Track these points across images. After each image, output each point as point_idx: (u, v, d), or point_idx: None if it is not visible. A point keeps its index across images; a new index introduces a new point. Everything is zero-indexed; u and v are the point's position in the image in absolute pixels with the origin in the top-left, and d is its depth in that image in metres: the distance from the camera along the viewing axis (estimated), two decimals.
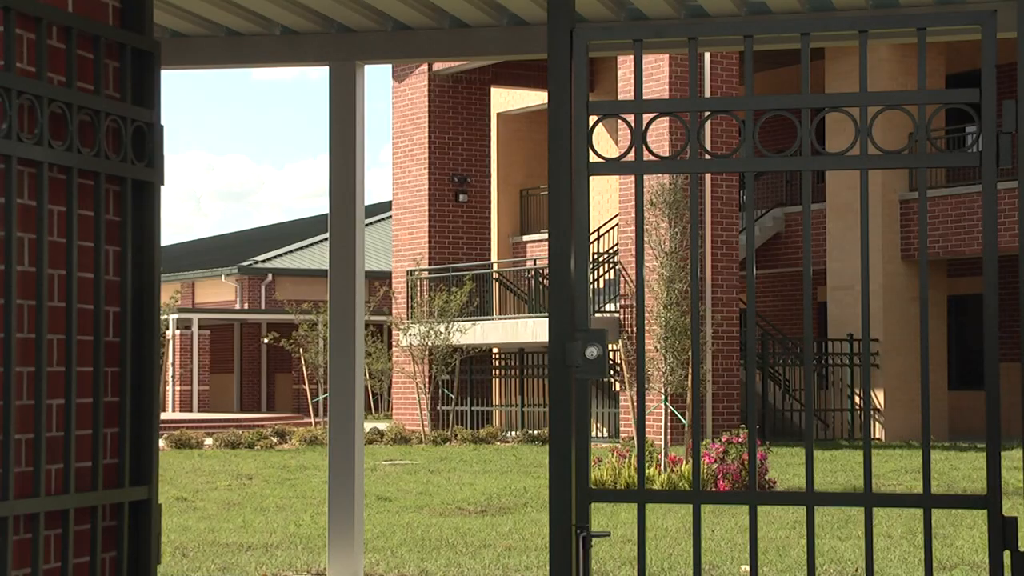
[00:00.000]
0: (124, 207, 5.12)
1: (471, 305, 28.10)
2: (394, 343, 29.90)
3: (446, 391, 28.83)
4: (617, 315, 26.43)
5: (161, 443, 21.27)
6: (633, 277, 24.71)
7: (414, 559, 10.79)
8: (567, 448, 5.54)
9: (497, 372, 30.21)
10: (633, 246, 24.54)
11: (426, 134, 29.75)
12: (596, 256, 27.86)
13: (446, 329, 27.59)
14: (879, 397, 26.39)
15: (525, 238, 33.14)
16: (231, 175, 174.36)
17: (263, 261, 45.00)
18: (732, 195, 25.38)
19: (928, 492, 5.41)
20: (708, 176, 24.38)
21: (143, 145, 5.19)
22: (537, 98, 31.67)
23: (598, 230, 28.95)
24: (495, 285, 29.61)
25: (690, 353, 15.19)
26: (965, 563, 10.07)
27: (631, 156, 5.66)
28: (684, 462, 16.42)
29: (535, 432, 27.14)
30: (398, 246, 30.51)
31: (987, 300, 5.35)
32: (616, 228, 27.54)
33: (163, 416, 33.99)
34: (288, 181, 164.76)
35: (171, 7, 7.92)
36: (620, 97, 25.23)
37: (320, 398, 32.52)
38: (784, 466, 19.14)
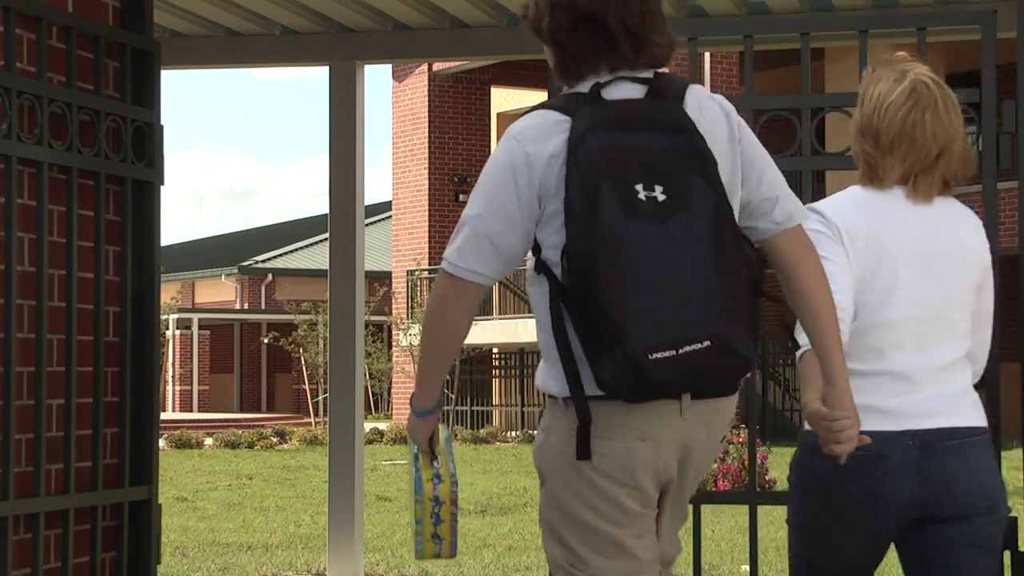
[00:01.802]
0: (124, 207, 5.12)
1: None
2: (394, 343, 29.89)
3: (446, 391, 28.83)
4: None
5: (161, 443, 21.26)
6: None
7: (414, 559, 10.78)
8: None
9: (497, 372, 30.20)
10: None
11: (426, 134, 29.74)
12: None
13: None
14: None
15: None
16: (232, 175, 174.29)
17: (263, 261, 44.98)
18: None
19: None
20: None
21: (143, 145, 5.19)
22: (537, 98, 31.66)
23: None
24: (495, 285, 29.59)
25: None
26: None
27: None
28: None
29: (535, 432, 27.13)
30: (398, 246, 30.51)
31: None
32: None
33: (163, 416, 34.00)
34: (289, 181, 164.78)
35: (171, 7, 7.92)
36: None
37: (320, 398, 32.52)
38: (784, 466, 19.13)
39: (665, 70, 3.25)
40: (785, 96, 5.58)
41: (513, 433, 28.22)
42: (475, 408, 29.65)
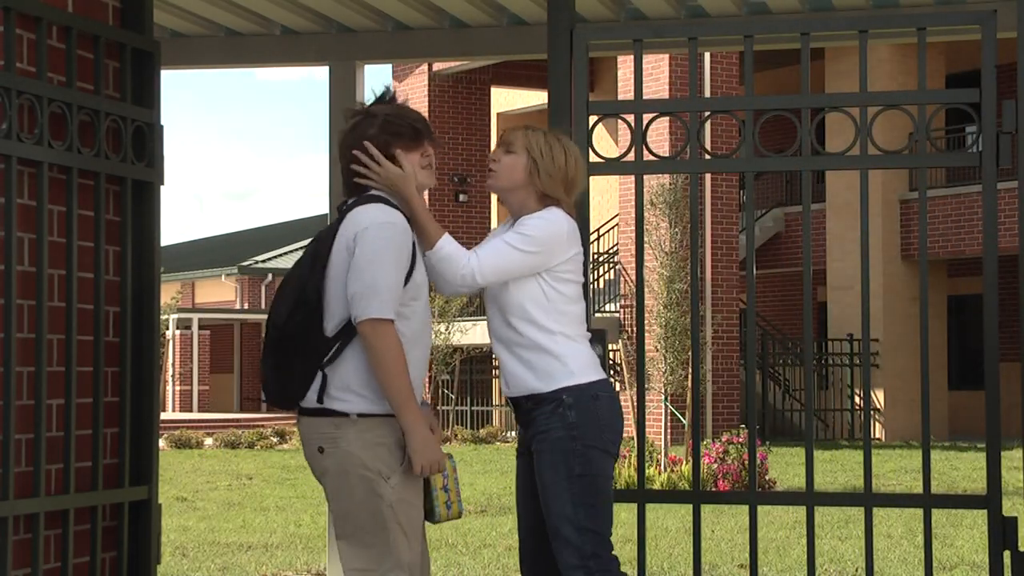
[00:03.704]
0: (124, 207, 5.12)
1: (471, 305, 28.10)
2: None
3: (446, 391, 28.83)
4: (617, 315, 26.43)
5: (161, 443, 21.27)
6: (633, 277, 24.70)
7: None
8: None
9: (497, 372, 30.20)
10: (633, 246, 24.54)
11: None
12: (596, 256, 27.85)
13: (446, 329, 27.59)
14: (879, 397, 26.40)
15: None
16: (233, 175, 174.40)
17: (263, 261, 44.97)
18: (732, 195, 25.38)
19: (928, 492, 5.42)
20: (708, 176, 24.38)
21: (143, 145, 5.19)
22: (537, 98, 31.66)
23: (598, 230, 28.95)
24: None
25: (690, 353, 15.16)
26: (965, 563, 10.07)
27: (631, 156, 5.66)
28: (684, 462, 16.42)
29: None
30: None
31: (987, 300, 5.36)
32: (616, 228, 27.53)
33: (163, 416, 33.97)
34: (289, 181, 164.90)
35: (171, 7, 7.92)
36: (620, 97, 25.23)
37: None
38: (784, 466, 19.14)
39: (375, 193, 4.70)
40: (785, 96, 5.58)
41: (513, 433, 28.22)
42: (475, 408, 29.67)
